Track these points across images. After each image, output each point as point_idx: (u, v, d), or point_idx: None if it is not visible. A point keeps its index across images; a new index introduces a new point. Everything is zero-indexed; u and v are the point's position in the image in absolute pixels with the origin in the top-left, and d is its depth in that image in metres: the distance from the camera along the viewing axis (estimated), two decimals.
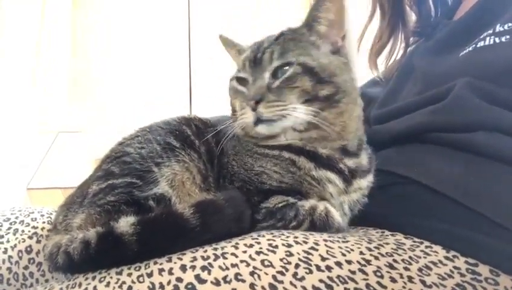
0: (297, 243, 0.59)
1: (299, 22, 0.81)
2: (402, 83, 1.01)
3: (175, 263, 0.57)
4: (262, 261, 0.56)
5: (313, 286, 0.53)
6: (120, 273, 0.58)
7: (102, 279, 0.58)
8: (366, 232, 0.73)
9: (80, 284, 0.58)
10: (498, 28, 0.77)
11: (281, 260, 0.56)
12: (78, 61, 2.23)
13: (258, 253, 0.57)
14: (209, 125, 0.85)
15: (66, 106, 2.14)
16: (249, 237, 0.62)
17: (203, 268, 0.55)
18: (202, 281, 0.53)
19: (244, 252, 0.58)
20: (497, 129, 0.69)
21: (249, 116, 0.72)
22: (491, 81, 0.73)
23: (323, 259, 0.56)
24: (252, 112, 0.72)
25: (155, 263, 0.58)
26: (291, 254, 0.57)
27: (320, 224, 0.67)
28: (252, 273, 0.54)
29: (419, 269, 0.56)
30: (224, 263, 0.55)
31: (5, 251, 0.82)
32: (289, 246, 0.58)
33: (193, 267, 0.55)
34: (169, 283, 0.54)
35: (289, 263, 0.55)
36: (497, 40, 0.76)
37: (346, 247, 0.60)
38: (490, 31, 0.79)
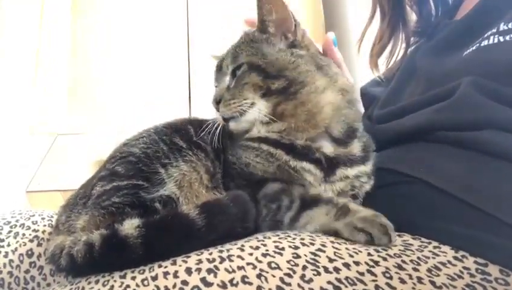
0: (304, 244, 0.59)
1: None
2: (404, 83, 1.01)
3: (180, 265, 0.56)
4: (269, 264, 0.55)
5: (321, 288, 0.52)
6: (124, 276, 0.57)
7: (105, 283, 0.57)
8: None
9: (83, 289, 0.57)
10: (502, 27, 0.77)
11: (288, 262, 0.55)
12: (77, 63, 2.22)
13: (264, 255, 0.56)
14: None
15: (65, 107, 2.13)
16: (254, 239, 0.61)
17: (209, 271, 0.54)
18: (208, 284, 0.52)
19: (251, 254, 0.57)
20: (503, 127, 0.68)
21: (218, 117, 0.81)
22: (495, 80, 0.73)
23: (330, 260, 0.56)
24: (217, 112, 0.80)
25: (160, 266, 0.57)
26: (298, 256, 0.56)
27: (309, 200, 0.69)
28: (259, 276, 0.53)
29: (429, 270, 0.56)
30: (230, 266, 0.55)
31: (6, 255, 0.81)
32: (296, 248, 0.58)
33: (199, 270, 0.54)
34: (174, 286, 0.53)
35: (296, 265, 0.55)
36: (501, 38, 0.76)
37: (354, 248, 0.59)
38: (494, 30, 0.78)
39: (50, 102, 2.12)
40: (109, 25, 2.29)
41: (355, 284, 0.52)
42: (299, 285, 0.52)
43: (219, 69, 0.87)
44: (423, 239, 0.64)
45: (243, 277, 0.53)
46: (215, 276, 0.53)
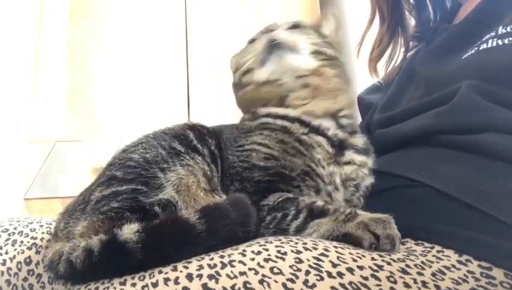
0: (306, 249, 0.58)
1: None
2: (403, 87, 1.02)
3: (181, 271, 0.55)
4: (271, 269, 0.54)
5: None
6: (124, 283, 0.56)
7: None
8: None
9: None
10: (501, 30, 0.78)
11: (291, 267, 0.54)
12: (75, 71, 2.22)
13: (266, 260, 0.55)
14: (209, 130, 0.87)
15: (63, 115, 2.12)
16: (256, 243, 0.61)
17: (210, 277, 0.53)
18: None
19: (252, 259, 0.56)
20: (503, 129, 0.68)
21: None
22: (494, 82, 0.73)
23: (334, 265, 0.55)
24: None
25: (160, 272, 0.56)
26: (301, 261, 0.55)
27: (317, 211, 0.69)
28: (261, 282, 0.52)
29: (433, 274, 0.55)
30: (232, 271, 0.54)
31: (4, 263, 0.80)
32: (298, 252, 0.57)
33: (200, 276, 0.53)
34: None
35: (299, 270, 0.54)
36: (500, 42, 0.77)
37: (357, 253, 0.58)
38: (493, 33, 0.79)
39: (48, 109, 2.12)
40: (107, 33, 2.29)
41: (359, 289, 0.52)
42: None
43: None
44: (426, 244, 0.64)
45: (245, 283, 0.52)
46: (217, 282, 0.52)
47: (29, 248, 0.84)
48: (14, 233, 0.85)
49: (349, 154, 0.82)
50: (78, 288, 0.59)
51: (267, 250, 0.58)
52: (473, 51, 0.81)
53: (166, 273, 0.55)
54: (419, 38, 1.12)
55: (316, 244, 0.59)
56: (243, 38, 1.00)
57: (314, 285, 0.52)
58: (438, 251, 0.61)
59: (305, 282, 0.52)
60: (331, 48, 0.90)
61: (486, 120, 0.71)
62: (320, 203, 0.71)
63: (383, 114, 0.98)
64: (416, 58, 1.07)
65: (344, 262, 0.55)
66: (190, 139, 0.80)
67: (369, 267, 0.55)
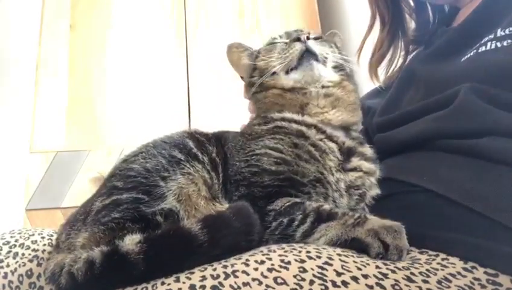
0: (310, 258, 0.57)
1: None
2: (403, 90, 1.01)
3: (183, 282, 0.54)
4: (275, 279, 0.53)
5: None
6: None
7: None
8: None
9: None
10: (499, 33, 0.78)
11: (295, 276, 0.53)
12: (76, 81, 2.22)
13: (270, 270, 0.55)
14: (209, 137, 0.88)
15: (64, 125, 2.12)
16: (259, 252, 0.60)
17: (214, 288, 0.52)
18: None
19: (256, 269, 0.55)
20: (505, 133, 0.68)
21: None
22: (494, 85, 0.73)
23: (338, 274, 0.54)
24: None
25: (162, 283, 0.55)
26: (304, 270, 0.54)
27: (325, 215, 0.68)
28: None
29: (439, 282, 0.54)
30: (235, 282, 0.53)
31: (5, 276, 0.79)
32: (302, 261, 0.56)
33: (203, 287, 0.52)
34: None
35: (303, 279, 0.53)
36: (498, 44, 0.77)
37: (362, 261, 0.57)
38: (491, 36, 0.79)
39: (49, 119, 2.12)
40: (108, 44, 2.30)
41: None
42: None
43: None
44: (430, 252, 0.63)
45: None
46: None
47: (31, 261, 0.83)
48: (15, 245, 0.85)
49: (356, 161, 0.83)
50: None
51: (270, 259, 0.57)
52: (472, 54, 0.81)
53: (169, 284, 0.54)
54: (419, 42, 1.13)
55: (320, 253, 0.58)
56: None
57: None
58: (443, 259, 0.60)
59: None
60: (349, 64, 0.95)
61: (487, 124, 0.70)
62: (327, 206, 0.71)
63: (383, 117, 0.98)
64: (415, 61, 1.07)
65: (348, 271, 0.55)
66: (190, 147, 0.80)
67: (374, 275, 0.54)
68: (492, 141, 0.68)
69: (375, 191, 0.82)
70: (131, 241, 0.59)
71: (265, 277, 0.53)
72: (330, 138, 0.83)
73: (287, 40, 0.95)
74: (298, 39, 0.90)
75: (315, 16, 2.32)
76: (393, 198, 0.78)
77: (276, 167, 0.77)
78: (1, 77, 2.08)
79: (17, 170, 2.12)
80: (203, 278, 0.54)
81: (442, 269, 0.57)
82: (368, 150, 0.87)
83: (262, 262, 0.56)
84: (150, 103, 2.21)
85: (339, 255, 0.58)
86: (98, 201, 0.71)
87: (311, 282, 0.52)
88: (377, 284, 0.53)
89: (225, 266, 0.56)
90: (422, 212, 0.71)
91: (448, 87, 0.78)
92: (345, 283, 0.53)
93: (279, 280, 0.53)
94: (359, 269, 0.55)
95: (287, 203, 0.71)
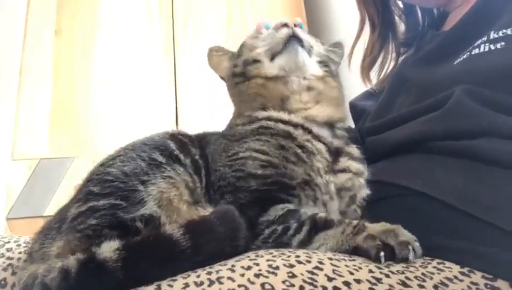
0: (299, 262, 0.54)
1: None
2: (394, 95, 1.01)
3: None
4: (262, 285, 0.50)
5: None
6: None
7: None
8: None
9: None
10: (492, 35, 0.78)
11: (283, 282, 0.50)
12: (60, 87, 2.19)
13: (257, 275, 0.52)
14: (192, 139, 0.85)
15: (48, 131, 2.08)
16: (246, 257, 0.57)
17: None
18: None
19: (242, 275, 0.52)
20: (499, 134, 0.67)
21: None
22: (487, 87, 0.72)
23: (329, 279, 0.51)
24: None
25: None
26: (294, 275, 0.51)
27: (321, 223, 0.66)
28: None
29: (435, 286, 0.52)
30: (220, 289, 0.50)
31: None
32: (291, 266, 0.53)
33: None
34: None
35: (292, 285, 0.50)
36: (492, 47, 0.76)
37: (354, 265, 0.55)
38: (484, 38, 0.79)
39: (32, 126, 2.08)
40: (93, 50, 2.27)
41: None
42: None
43: None
44: (425, 257, 0.61)
45: None
46: None
47: (5, 269, 0.79)
48: None
49: (344, 161, 0.81)
50: None
51: (257, 265, 0.54)
52: (465, 56, 0.81)
53: None
54: (409, 44, 1.13)
55: (310, 257, 0.56)
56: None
57: None
58: (439, 263, 0.58)
59: None
60: (334, 64, 0.94)
61: (481, 125, 0.69)
62: (322, 214, 0.69)
63: (375, 122, 0.96)
64: (405, 65, 1.06)
65: (340, 275, 0.52)
66: (171, 149, 0.77)
67: (367, 280, 0.52)
68: (487, 143, 0.67)
69: (365, 191, 0.80)
70: (109, 249, 0.56)
71: (252, 282, 0.51)
72: (317, 138, 0.81)
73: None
74: (285, 25, 0.89)
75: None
76: (385, 201, 0.77)
77: (262, 171, 0.74)
78: None
79: None
80: (186, 285, 0.51)
81: (439, 273, 0.55)
82: (354, 149, 0.85)
83: (249, 267, 0.54)
84: (136, 110, 2.18)
85: (330, 259, 0.56)
86: (74, 208, 0.68)
87: (301, 288, 0.50)
88: (370, 289, 0.50)
89: (209, 273, 0.53)
90: (415, 216, 0.70)
91: (441, 90, 0.78)
92: (336, 289, 0.50)
93: (266, 286, 0.50)
94: (351, 273, 0.53)
95: (281, 212, 0.69)
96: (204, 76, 2.14)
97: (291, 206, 0.71)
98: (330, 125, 0.86)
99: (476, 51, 0.78)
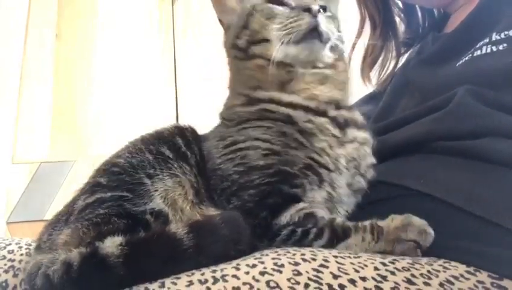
0: (305, 260, 0.54)
1: None
2: (396, 97, 1.01)
3: (169, 288, 0.51)
4: (267, 283, 0.50)
5: None
6: None
7: None
8: None
9: None
10: (494, 37, 0.78)
11: (289, 280, 0.50)
12: (61, 91, 2.19)
13: (262, 273, 0.51)
14: (196, 136, 0.83)
15: (48, 135, 2.08)
16: (251, 257, 0.57)
17: None
18: None
19: (247, 273, 0.52)
20: (503, 134, 0.67)
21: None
22: (490, 88, 0.73)
23: (335, 277, 0.51)
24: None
25: (146, 289, 0.52)
26: (299, 273, 0.51)
27: (339, 233, 0.64)
28: None
29: (441, 284, 0.52)
30: (224, 287, 0.50)
31: None
32: (296, 264, 0.53)
33: None
34: None
35: (297, 283, 0.50)
36: (494, 48, 0.77)
37: (359, 263, 0.55)
38: (486, 40, 0.79)
39: (33, 129, 2.08)
40: (93, 53, 2.28)
41: None
42: None
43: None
44: (430, 257, 0.61)
45: None
46: None
47: (6, 271, 0.78)
48: None
49: (351, 132, 0.77)
50: None
51: (262, 263, 0.54)
52: (467, 58, 0.81)
53: None
54: (409, 44, 1.13)
55: (315, 255, 0.56)
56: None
57: None
58: (445, 261, 0.58)
59: None
60: (342, 43, 0.87)
61: (485, 125, 0.69)
62: (339, 219, 0.67)
63: (377, 124, 0.96)
64: (408, 67, 1.07)
65: (345, 273, 0.52)
66: (179, 146, 0.76)
67: (373, 278, 0.52)
68: (491, 143, 0.67)
69: (370, 160, 0.78)
70: (112, 244, 0.56)
71: (257, 280, 0.50)
72: (319, 113, 0.77)
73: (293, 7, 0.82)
74: (309, 10, 0.78)
75: None
76: (389, 202, 0.76)
77: (264, 161, 0.71)
78: None
79: None
80: (190, 283, 0.51)
81: (444, 271, 0.54)
82: (357, 115, 0.83)
83: (254, 266, 0.53)
84: (136, 113, 2.18)
85: (335, 257, 0.56)
86: (81, 200, 0.68)
87: (306, 285, 0.50)
88: (376, 287, 0.50)
89: (214, 271, 0.53)
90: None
91: (444, 92, 0.78)
92: (341, 286, 0.50)
93: (271, 284, 0.50)
94: (357, 271, 0.53)
95: (296, 215, 0.67)
96: (205, 76, 2.15)
97: (302, 205, 0.68)
98: (335, 105, 0.81)
99: (479, 52, 0.79)
